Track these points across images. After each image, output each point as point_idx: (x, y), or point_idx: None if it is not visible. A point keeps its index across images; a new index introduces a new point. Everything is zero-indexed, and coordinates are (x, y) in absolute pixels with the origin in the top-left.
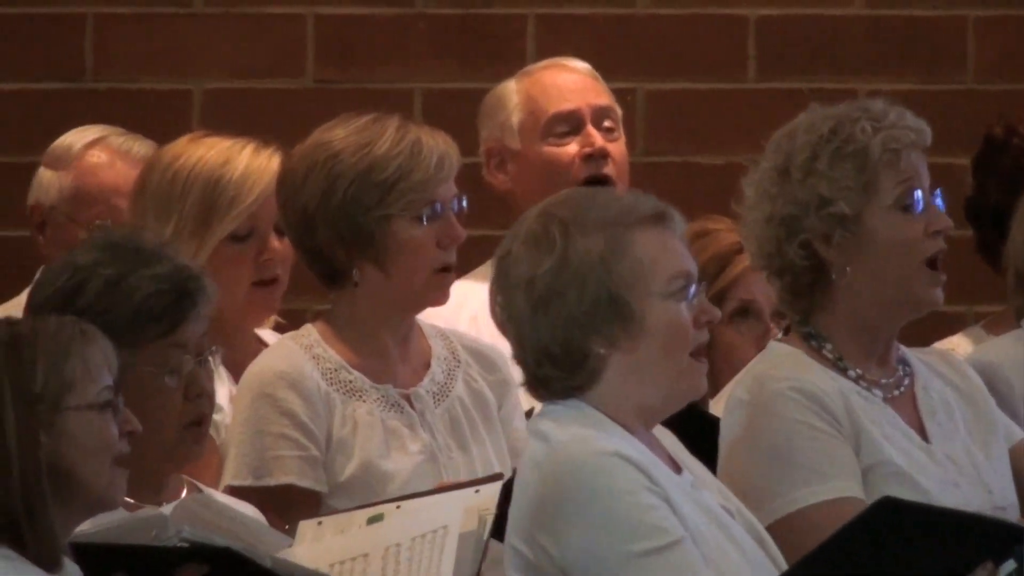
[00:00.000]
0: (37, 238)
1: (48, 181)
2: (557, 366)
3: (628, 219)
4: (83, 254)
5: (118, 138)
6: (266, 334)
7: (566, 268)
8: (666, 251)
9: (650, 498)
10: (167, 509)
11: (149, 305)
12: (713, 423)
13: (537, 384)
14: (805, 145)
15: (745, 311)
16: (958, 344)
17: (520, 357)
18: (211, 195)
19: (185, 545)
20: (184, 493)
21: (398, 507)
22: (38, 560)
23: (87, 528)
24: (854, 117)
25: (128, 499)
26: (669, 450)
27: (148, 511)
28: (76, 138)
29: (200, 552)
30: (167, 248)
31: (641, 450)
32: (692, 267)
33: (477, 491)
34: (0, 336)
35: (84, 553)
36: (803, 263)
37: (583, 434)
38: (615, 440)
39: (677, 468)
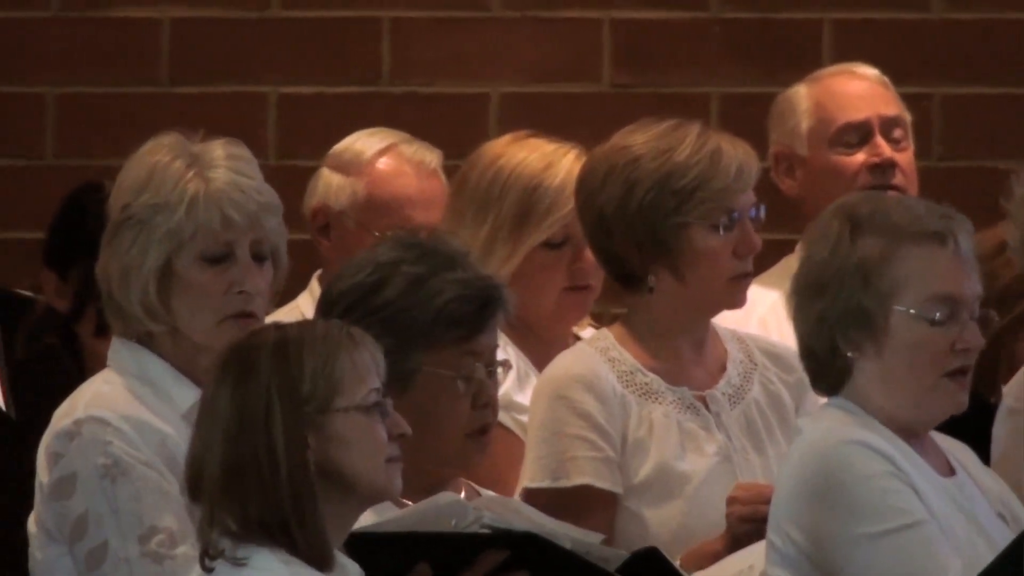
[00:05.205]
0: (319, 241)
1: (338, 185)
2: (813, 360)
3: (907, 231)
4: (385, 251)
5: (408, 147)
6: (587, 335)
7: (832, 265)
8: (933, 271)
9: (891, 482)
10: None
11: (451, 309)
12: None
13: (809, 378)
14: None
15: None
16: None
17: (797, 347)
18: (529, 200)
19: (486, 531)
20: (463, 495)
21: None
22: (310, 560)
23: (373, 520)
24: None
25: (404, 500)
26: (950, 456)
27: (445, 496)
28: (364, 144)
29: (501, 538)
30: (468, 256)
31: (897, 445)
32: (963, 291)
33: None
34: (268, 340)
35: (378, 544)
36: None
37: (832, 427)
38: (864, 431)
39: (949, 471)
